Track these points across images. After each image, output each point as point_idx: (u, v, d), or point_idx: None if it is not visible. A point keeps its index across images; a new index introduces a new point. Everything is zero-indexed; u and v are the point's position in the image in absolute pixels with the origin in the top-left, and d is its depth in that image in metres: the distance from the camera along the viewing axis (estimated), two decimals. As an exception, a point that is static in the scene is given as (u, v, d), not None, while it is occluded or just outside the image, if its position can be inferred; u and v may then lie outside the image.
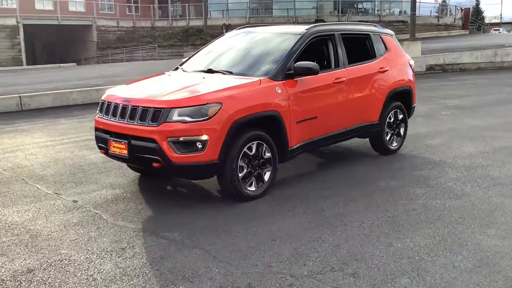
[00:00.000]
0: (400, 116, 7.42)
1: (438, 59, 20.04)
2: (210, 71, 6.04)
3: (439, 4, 53.72)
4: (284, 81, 5.70)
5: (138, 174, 6.44)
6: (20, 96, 12.98)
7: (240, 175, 5.24)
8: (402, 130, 7.51)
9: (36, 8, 40.68)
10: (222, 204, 5.35)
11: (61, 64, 34.87)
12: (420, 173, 6.40)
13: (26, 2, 38.39)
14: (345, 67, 6.54)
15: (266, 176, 5.51)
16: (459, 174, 6.32)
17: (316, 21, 37.76)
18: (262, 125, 5.48)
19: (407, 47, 17.98)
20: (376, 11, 48.54)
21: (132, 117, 5.14)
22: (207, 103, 4.98)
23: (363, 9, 49.59)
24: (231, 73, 5.86)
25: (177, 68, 6.65)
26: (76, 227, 4.76)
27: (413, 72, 7.68)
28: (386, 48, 7.34)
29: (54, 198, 5.65)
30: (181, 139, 4.89)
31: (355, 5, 50.19)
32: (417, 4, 34.09)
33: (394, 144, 7.46)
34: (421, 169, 6.60)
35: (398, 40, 7.84)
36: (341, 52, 6.57)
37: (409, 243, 4.25)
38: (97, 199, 5.61)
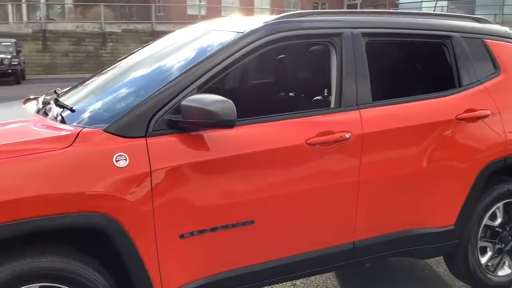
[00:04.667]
0: (518, 215, 3.43)
1: None
2: (57, 102, 2.94)
3: None
4: (150, 139, 2.41)
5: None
6: None
7: None
8: (522, 243, 3.48)
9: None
10: None
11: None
12: None
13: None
14: (358, 107, 2.90)
15: None
16: None
17: None
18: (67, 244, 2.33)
19: None
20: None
21: None
22: None
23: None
24: (72, 111, 2.69)
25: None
26: None
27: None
28: (496, 66, 3.40)
29: None
30: None
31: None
32: None
33: (502, 272, 3.48)
34: None
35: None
36: (354, 72, 2.93)
37: None
38: None
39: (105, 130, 2.38)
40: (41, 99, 3.14)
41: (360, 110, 2.90)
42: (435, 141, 3.07)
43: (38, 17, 28.60)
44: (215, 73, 2.60)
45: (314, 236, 2.85)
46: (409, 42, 3.35)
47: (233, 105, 2.40)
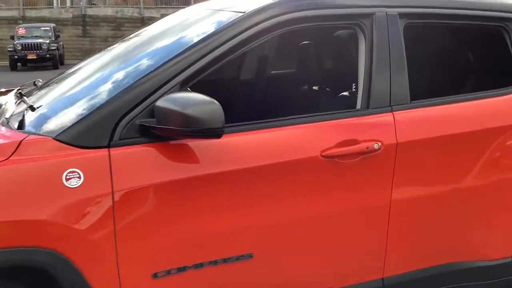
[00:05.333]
0: None
1: None
2: (20, 97, 2.41)
3: None
4: (115, 149, 1.85)
5: None
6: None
7: None
8: None
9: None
10: None
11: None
12: None
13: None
14: (391, 108, 2.26)
15: None
16: None
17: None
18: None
19: None
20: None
21: None
22: None
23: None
24: (32, 109, 2.15)
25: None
26: None
27: None
28: None
29: None
30: None
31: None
32: None
33: None
34: None
35: None
36: (388, 64, 2.29)
37: None
38: None
39: (54, 138, 1.83)
40: (12, 93, 2.63)
41: (394, 112, 2.26)
42: (493, 153, 2.39)
43: (81, 2, 28.48)
44: (204, 65, 2.02)
45: (331, 272, 2.25)
46: (459, 26, 2.66)
47: (220, 108, 1.82)
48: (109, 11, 27.00)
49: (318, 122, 2.17)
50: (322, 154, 2.08)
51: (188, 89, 2.27)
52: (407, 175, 2.24)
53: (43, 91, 2.44)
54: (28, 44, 20.01)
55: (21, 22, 24.54)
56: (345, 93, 2.71)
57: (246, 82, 3.10)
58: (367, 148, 2.14)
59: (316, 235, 2.15)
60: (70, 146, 1.82)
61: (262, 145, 2.06)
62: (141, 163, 1.88)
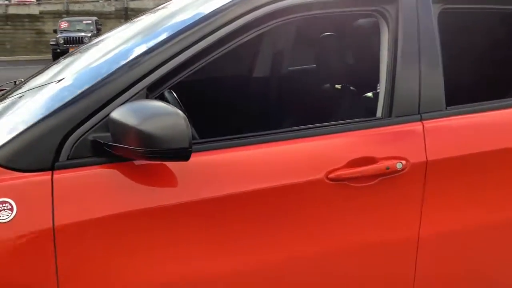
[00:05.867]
0: None
1: None
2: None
3: None
4: (60, 172, 1.46)
5: None
6: None
7: None
8: None
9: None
10: None
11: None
12: None
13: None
14: (420, 116, 1.78)
15: None
16: None
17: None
18: None
19: None
20: None
21: None
22: None
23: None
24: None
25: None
26: None
27: None
28: None
29: None
30: None
31: None
32: None
33: None
34: None
35: None
36: (417, 60, 1.81)
37: None
38: None
39: (-19, 160, 1.46)
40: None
41: (425, 121, 1.78)
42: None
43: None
44: (181, 64, 1.60)
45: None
46: (508, 14, 2.15)
47: (185, 121, 1.40)
48: (150, 4, 26.91)
49: (324, 136, 1.72)
50: (329, 176, 1.64)
51: (173, 93, 1.88)
52: (441, 202, 1.77)
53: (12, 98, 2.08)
54: (70, 37, 20.16)
55: (65, 16, 24.80)
56: (369, 94, 2.25)
57: (235, 85, 2.64)
58: (387, 168, 1.68)
59: (320, 277, 1.71)
60: (2, 170, 1.44)
61: (255, 163, 1.63)
62: (94, 189, 1.49)
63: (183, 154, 1.40)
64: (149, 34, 1.84)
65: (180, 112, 1.40)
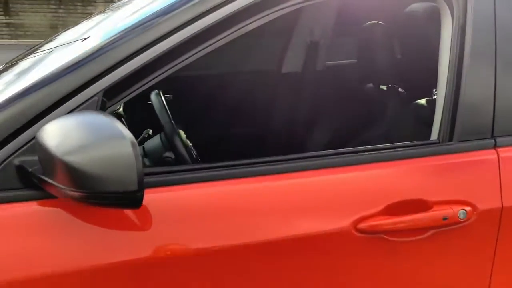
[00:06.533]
0: None
1: None
2: None
3: None
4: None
5: None
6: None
7: None
8: None
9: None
10: None
11: None
12: None
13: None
14: (494, 141, 1.25)
15: None
16: None
17: None
18: None
19: None
20: None
21: None
22: None
23: None
24: None
25: None
26: None
27: None
28: None
29: None
30: None
31: None
32: None
33: None
34: None
35: None
36: (493, 61, 1.28)
37: None
38: None
39: None
40: None
41: (500, 149, 1.26)
42: None
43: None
44: (152, 61, 1.13)
45: None
46: None
47: (135, 150, 0.93)
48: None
49: (355, 165, 1.22)
50: (358, 226, 1.14)
51: (161, 96, 1.44)
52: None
53: None
54: (118, 22, 20.18)
55: (116, 0, 24.90)
56: (422, 102, 1.73)
57: (227, 95, 2.06)
58: (445, 219, 1.17)
59: None
60: None
61: (255, 203, 1.15)
62: (18, 234, 1.05)
63: (129, 201, 0.93)
64: (113, 24, 1.38)
65: (127, 134, 0.93)
